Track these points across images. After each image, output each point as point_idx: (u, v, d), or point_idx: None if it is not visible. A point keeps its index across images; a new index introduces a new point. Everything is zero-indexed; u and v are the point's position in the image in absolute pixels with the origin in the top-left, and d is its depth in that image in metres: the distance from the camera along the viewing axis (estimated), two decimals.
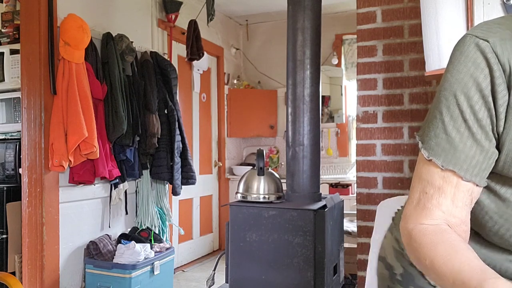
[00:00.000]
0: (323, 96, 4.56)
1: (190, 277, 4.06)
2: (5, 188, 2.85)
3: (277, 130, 5.26)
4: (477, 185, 0.77)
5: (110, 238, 3.11)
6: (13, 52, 2.90)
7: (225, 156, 5.11)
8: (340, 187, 4.43)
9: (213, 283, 2.39)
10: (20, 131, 2.86)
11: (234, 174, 5.11)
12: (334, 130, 4.98)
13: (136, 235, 3.13)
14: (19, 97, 2.85)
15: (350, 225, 2.89)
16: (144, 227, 3.33)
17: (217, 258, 2.33)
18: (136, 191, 3.48)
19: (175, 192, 3.56)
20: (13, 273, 2.81)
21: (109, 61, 3.07)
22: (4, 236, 2.83)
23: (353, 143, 4.85)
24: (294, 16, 2.20)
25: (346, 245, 2.54)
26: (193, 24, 4.03)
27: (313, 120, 2.19)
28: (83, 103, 2.76)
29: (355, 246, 2.39)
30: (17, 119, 2.93)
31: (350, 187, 4.42)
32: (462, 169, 0.76)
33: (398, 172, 2.24)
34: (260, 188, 2.11)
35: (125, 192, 3.30)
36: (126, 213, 3.38)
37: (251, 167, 2.24)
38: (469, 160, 0.76)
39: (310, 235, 1.94)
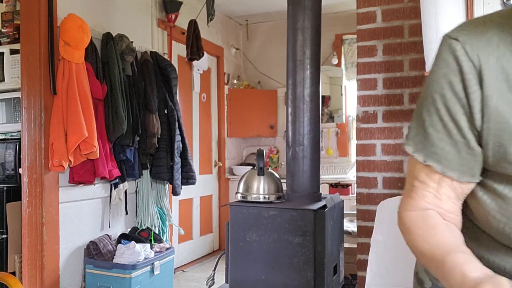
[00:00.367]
0: (323, 96, 4.56)
1: (190, 277, 4.06)
2: (5, 188, 2.85)
3: (277, 130, 5.26)
4: (458, 180, 0.81)
5: (110, 238, 3.11)
6: (13, 52, 2.90)
7: (225, 156, 5.11)
8: (340, 187, 4.43)
9: (213, 283, 2.39)
10: (20, 131, 2.86)
11: (234, 174, 5.11)
12: (334, 130, 4.98)
13: (136, 235, 3.13)
14: (19, 97, 2.85)
15: (350, 225, 2.88)
16: (144, 227, 3.33)
17: (217, 258, 2.33)
18: (136, 191, 3.48)
19: (175, 192, 3.56)
20: (13, 273, 2.81)
21: (109, 61, 3.06)
22: (4, 236, 2.83)
23: (353, 143, 4.85)
24: (294, 16, 2.20)
25: (346, 245, 2.54)
26: (193, 24, 4.03)
27: (313, 120, 2.19)
28: (83, 103, 2.76)
29: (355, 246, 2.39)
30: (17, 119, 2.93)
31: (350, 187, 4.42)
32: (440, 164, 0.81)
33: (398, 172, 2.24)
34: (260, 188, 2.11)
35: (125, 192, 3.30)
36: (126, 213, 3.38)
37: (251, 167, 2.24)
38: (445, 155, 0.80)
39: (310, 235, 1.94)
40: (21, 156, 2.81)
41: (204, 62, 4.51)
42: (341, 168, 4.86)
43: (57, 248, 2.83)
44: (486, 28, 0.76)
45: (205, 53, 4.19)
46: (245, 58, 5.51)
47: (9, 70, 2.91)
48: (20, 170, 2.83)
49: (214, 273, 2.38)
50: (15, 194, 2.87)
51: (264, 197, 2.10)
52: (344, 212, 2.49)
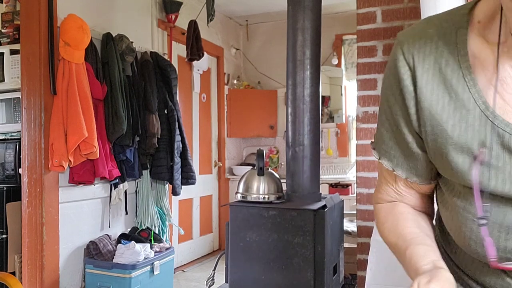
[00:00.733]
0: (323, 96, 4.56)
1: (190, 277, 4.06)
2: (5, 188, 2.85)
3: (277, 130, 5.26)
4: (407, 177, 0.81)
5: (110, 238, 3.11)
6: (13, 52, 2.90)
7: (225, 156, 5.11)
8: (340, 187, 4.43)
9: (213, 283, 2.39)
10: (20, 131, 2.86)
11: (234, 174, 5.11)
12: (334, 130, 4.98)
13: (136, 235, 3.13)
14: (19, 97, 2.85)
15: (350, 225, 2.89)
16: (144, 227, 3.33)
17: (217, 258, 2.33)
18: (136, 191, 3.48)
19: (175, 192, 3.56)
20: (13, 273, 2.81)
21: (109, 61, 3.07)
22: (4, 236, 2.83)
23: (353, 143, 4.85)
24: (294, 16, 2.20)
25: (346, 245, 2.54)
26: (193, 24, 4.03)
27: (313, 120, 2.19)
28: (83, 103, 2.76)
29: (355, 246, 2.39)
30: (17, 119, 2.93)
31: (350, 187, 4.42)
32: (391, 162, 0.82)
33: None
34: (260, 188, 2.11)
35: (125, 192, 3.30)
36: (126, 213, 3.38)
37: (251, 167, 2.24)
38: (394, 154, 0.81)
39: (310, 235, 1.94)
40: (21, 156, 2.81)
41: (204, 63, 4.51)
42: (341, 168, 4.86)
43: (57, 248, 2.83)
44: (428, 26, 0.73)
45: (205, 53, 4.19)
46: (245, 59, 5.51)
47: (9, 70, 2.91)
48: (20, 170, 2.83)
49: (214, 273, 2.38)
50: (15, 194, 2.87)
51: (264, 197, 2.10)
52: (344, 212, 2.49)
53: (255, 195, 2.10)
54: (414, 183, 0.81)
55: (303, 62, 2.18)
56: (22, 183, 2.78)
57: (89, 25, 2.89)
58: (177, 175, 3.52)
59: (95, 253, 2.97)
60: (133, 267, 2.83)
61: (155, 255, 3.05)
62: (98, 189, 3.14)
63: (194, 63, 4.39)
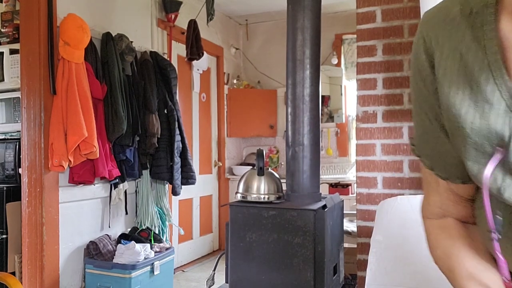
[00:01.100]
0: (323, 96, 4.56)
1: (190, 277, 4.06)
2: (5, 188, 2.85)
3: (277, 130, 5.26)
4: (447, 178, 0.71)
5: (110, 238, 3.11)
6: (12, 52, 2.90)
7: (225, 156, 5.10)
8: (340, 187, 4.43)
9: (213, 283, 2.39)
10: (19, 131, 2.86)
11: (234, 174, 5.10)
12: (334, 130, 4.98)
13: (136, 235, 3.13)
14: (19, 97, 2.85)
15: (350, 225, 2.88)
16: (144, 227, 3.33)
17: (217, 258, 2.33)
18: (136, 191, 3.48)
19: (175, 192, 3.56)
20: (13, 273, 2.81)
21: (108, 61, 3.06)
22: (4, 236, 2.83)
23: (353, 143, 4.85)
24: (293, 16, 2.19)
25: (346, 245, 2.53)
26: (192, 24, 4.03)
27: (313, 120, 2.18)
28: (82, 103, 2.76)
29: (355, 246, 2.39)
30: (17, 119, 2.92)
31: (350, 187, 4.41)
32: (427, 159, 0.73)
33: (398, 172, 2.24)
34: (260, 188, 2.11)
35: (125, 192, 3.30)
36: (126, 213, 3.38)
37: (251, 167, 2.24)
38: (426, 148, 0.72)
39: (310, 235, 1.94)
40: (21, 156, 2.80)
41: (204, 62, 4.51)
42: (341, 168, 4.86)
43: (57, 248, 2.82)
44: (453, 5, 0.62)
45: (204, 53, 4.19)
46: (245, 58, 5.51)
47: (8, 70, 2.91)
48: (20, 170, 2.83)
49: (214, 273, 2.38)
50: (15, 194, 2.86)
51: (264, 197, 2.10)
52: (344, 212, 2.49)
53: (255, 195, 2.10)
54: (457, 185, 0.71)
55: (303, 61, 2.18)
56: (22, 183, 2.78)
57: (89, 25, 2.89)
58: (177, 175, 3.52)
59: (95, 253, 2.97)
60: (133, 267, 2.83)
61: (155, 255, 3.05)
62: (98, 189, 3.13)
63: (194, 62, 4.38)
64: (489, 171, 0.56)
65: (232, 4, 4.83)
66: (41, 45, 2.72)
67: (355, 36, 2.45)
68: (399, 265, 1.75)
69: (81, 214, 3.03)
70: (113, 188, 3.19)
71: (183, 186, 3.61)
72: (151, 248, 3.08)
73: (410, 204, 1.82)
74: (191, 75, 4.51)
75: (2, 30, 2.99)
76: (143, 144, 3.34)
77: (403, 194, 2.20)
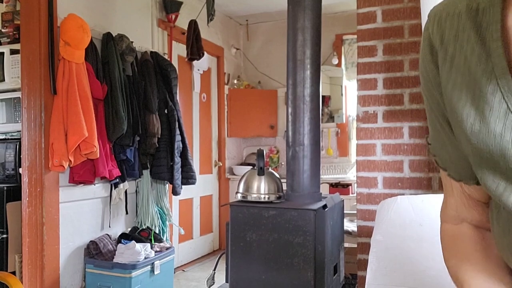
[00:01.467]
0: (323, 96, 4.56)
1: (190, 277, 4.06)
2: (5, 188, 2.85)
3: (277, 130, 5.26)
4: (460, 180, 0.69)
5: (110, 238, 3.11)
6: (13, 52, 2.90)
7: (225, 156, 5.11)
8: (340, 187, 4.43)
9: (213, 282, 2.39)
10: (20, 131, 2.86)
11: (234, 174, 5.11)
12: (334, 130, 4.98)
13: (136, 234, 3.13)
14: (19, 97, 2.85)
15: (350, 225, 2.88)
16: (144, 227, 3.33)
17: (217, 258, 2.33)
18: (136, 191, 3.48)
19: (175, 192, 3.56)
20: (14, 273, 2.82)
21: (109, 61, 3.07)
22: (4, 236, 2.83)
23: (353, 143, 4.85)
24: (294, 16, 2.20)
25: (346, 245, 2.54)
26: (193, 24, 4.03)
27: (313, 120, 2.19)
28: (83, 103, 2.76)
29: (355, 246, 2.39)
30: (17, 119, 2.93)
31: (350, 187, 4.42)
32: (445, 163, 0.70)
33: (398, 172, 2.24)
34: (260, 188, 2.11)
35: (125, 192, 3.30)
36: (126, 213, 3.38)
37: (251, 167, 2.24)
38: (438, 147, 0.69)
39: (310, 235, 1.94)
40: (21, 156, 2.81)
41: (204, 62, 4.51)
42: (341, 168, 4.86)
43: (57, 248, 2.83)
44: (459, 0, 0.60)
45: (205, 53, 4.19)
46: (245, 58, 5.51)
47: (9, 70, 2.91)
48: (20, 170, 2.83)
49: (214, 272, 2.38)
50: (15, 194, 2.87)
51: (264, 197, 2.10)
52: (344, 212, 2.49)
53: (255, 195, 2.10)
54: (471, 186, 0.68)
55: (303, 61, 2.18)
56: (22, 183, 2.78)
57: (89, 25, 2.89)
58: (177, 175, 3.52)
59: (96, 253, 2.97)
60: (134, 267, 2.83)
61: (155, 255, 3.05)
62: (98, 189, 3.14)
63: (194, 62, 4.39)
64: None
65: (232, 5, 4.83)
66: (41, 45, 2.72)
67: (355, 36, 2.45)
68: (399, 265, 1.75)
69: (81, 214, 3.03)
70: (113, 188, 3.19)
71: (183, 186, 3.61)
72: (152, 247, 3.08)
73: (411, 204, 1.82)
74: (192, 75, 4.52)
75: (3, 30, 2.99)
76: (143, 144, 3.34)
77: (403, 194, 2.20)
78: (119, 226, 3.35)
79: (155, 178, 3.52)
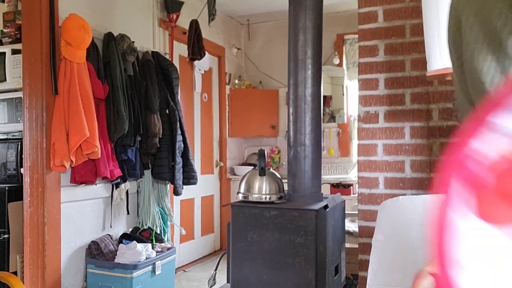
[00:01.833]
0: (324, 96, 4.56)
1: (191, 277, 4.06)
2: (6, 188, 2.85)
3: (278, 130, 5.25)
4: None
5: (111, 238, 3.11)
6: (14, 52, 2.90)
7: (226, 156, 5.10)
8: (341, 187, 4.42)
9: (215, 283, 2.39)
10: (21, 131, 2.87)
11: (235, 174, 5.10)
12: (336, 130, 4.97)
13: (137, 235, 3.14)
14: (21, 97, 2.85)
15: (351, 225, 2.88)
16: (145, 227, 3.33)
17: (218, 258, 2.33)
18: (137, 191, 3.48)
19: (176, 192, 3.56)
20: (15, 273, 2.82)
21: (110, 61, 3.07)
22: (6, 235, 2.83)
23: (355, 143, 4.84)
24: (295, 16, 2.19)
25: (347, 245, 2.53)
26: (194, 24, 4.03)
27: (314, 120, 2.18)
28: (84, 103, 2.76)
29: (357, 246, 2.39)
30: (19, 119, 2.93)
31: (351, 187, 4.41)
32: (460, 118, 0.80)
33: (399, 172, 2.24)
34: (262, 188, 2.11)
35: (127, 192, 3.30)
36: (128, 213, 3.38)
37: (253, 167, 2.24)
38: (459, 106, 0.79)
39: (311, 235, 1.94)
40: (23, 156, 2.81)
41: (206, 62, 4.51)
42: (342, 168, 4.85)
43: (58, 248, 2.83)
44: None
45: (206, 53, 4.19)
46: (247, 58, 5.51)
47: (10, 70, 2.91)
48: (22, 170, 2.84)
49: (216, 273, 2.38)
50: (16, 194, 2.87)
51: (266, 197, 2.10)
52: (346, 212, 2.49)
53: (256, 195, 2.10)
54: None
55: (304, 61, 2.18)
56: (23, 183, 2.79)
57: (91, 25, 2.89)
58: (179, 175, 3.52)
59: (97, 253, 2.97)
60: (135, 267, 2.83)
61: (156, 255, 3.05)
62: (99, 189, 3.14)
63: (196, 62, 4.38)
64: None
65: (233, 4, 4.83)
66: (43, 45, 2.72)
67: (357, 36, 2.45)
68: (400, 265, 1.75)
69: (82, 214, 3.03)
70: (114, 188, 3.19)
71: (184, 186, 3.61)
72: (153, 248, 3.08)
73: (412, 204, 1.82)
74: (193, 75, 4.52)
75: (4, 30, 3.00)
76: (144, 144, 3.34)
77: (405, 194, 2.19)
78: (121, 226, 3.35)
79: (157, 178, 3.52)
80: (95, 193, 3.11)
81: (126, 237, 3.08)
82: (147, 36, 3.74)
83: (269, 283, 2.00)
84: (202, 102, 4.72)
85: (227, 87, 5.13)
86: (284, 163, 5.18)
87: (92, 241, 3.01)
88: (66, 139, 2.71)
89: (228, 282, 2.15)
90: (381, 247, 1.83)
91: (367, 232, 2.27)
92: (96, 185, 3.08)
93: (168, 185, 3.68)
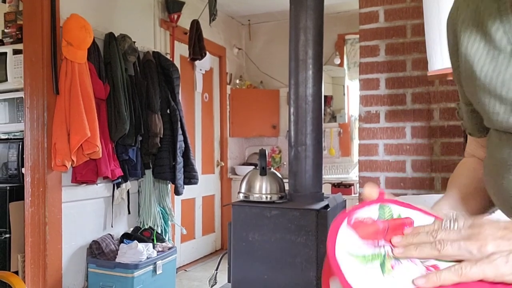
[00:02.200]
0: (325, 96, 4.56)
1: (192, 277, 4.06)
2: (8, 188, 2.86)
3: (279, 130, 5.26)
4: (469, 133, 0.85)
5: (112, 238, 3.12)
6: (16, 52, 2.91)
7: (227, 156, 5.11)
8: (342, 187, 4.42)
9: (215, 282, 2.39)
10: (23, 131, 2.87)
11: (236, 174, 5.11)
12: (337, 130, 4.97)
13: (138, 234, 3.14)
14: (22, 97, 2.86)
15: None
16: (146, 227, 3.34)
17: (219, 258, 2.33)
18: (138, 190, 3.48)
19: (177, 192, 3.56)
20: (16, 273, 2.82)
21: (111, 61, 3.07)
22: (7, 235, 2.84)
23: (356, 143, 4.84)
24: (296, 16, 2.20)
25: None
26: (195, 24, 4.03)
27: (315, 120, 2.18)
28: (85, 103, 2.76)
29: None
30: (20, 119, 2.93)
31: (352, 187, 4.41)
32: (464, 125, 0.87)
33: (400, 172, 2.24)
34: (263, 188, 2.11)
35: (128, 191, 3.31)
36: (129, 212, 3.38)
37: (253, 167, 2.24)
38: (463, 115, 0.85)
39: (312, 235, 1.94)
40: (24, 156, 2.81)
41: (207, 62, 4.51)
42: (343, 168, 4.85)
43: (59, 248, 2.83)
44: None
45: (207, 53, 4.19)
46: (248, 58, 5.51)
47: (12, 70, 2.92)
48: (23, 170, 2.84)
49: (217, 272, 2.38)
50: (18, 193, 2.87)
51: (266, 197, 2.10)
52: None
53: (257, 195, 2.10)
54: (480, 139, 0.84)
55: (305, 61, 2.18)
56: (25, 183, 2.79)
57: (92, 25, 2.89)
58: (180, 175, 3.52)
59: (98, 253, 2.97)
60: (136, 266, 2.84)
61: (157, 255, 3.05)
62: (100, 188, 3.14)
63: (197, 62, 4.39)
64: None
65: (234, 4, 4.84)
66: (44, 46, 2.73)
67: (358, 36, 2.45)
68: None
69: (83, 213, 3.03)
70: (115, 187, 3.20)
71: (185, 186, 3.61)
72: (154, 247, 3.08)
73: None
74: (194, 75, 4.52)
75: (6, 30, 3.00)
76: (145, 144, 3.35)
77: (406, 194, 2.19)
78: (122, 226, 3.35)
79: (157, 178, 3.52)
80: (96, 192, 3.12)
81: (127, 237, 3.08)
82: (148, 36, 3.74)
83: (270, 282, 2.00)
84: (203, 102, 4.72)
85: (228, 87, 5.13)
86: (285, 163, 5.18)
87: (93, 241, 3.01)
88: (67, 139, 2.71)
89: (229, 281, 2.15)
90: None
91: None
92: (97, 185, 3.08)
93: (169, 185, 3.68)
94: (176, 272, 3.53)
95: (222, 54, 5.02)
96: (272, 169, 2.23)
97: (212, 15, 3.86)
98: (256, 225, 2.04)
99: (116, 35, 3.16)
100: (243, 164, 5.28)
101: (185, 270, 4.25)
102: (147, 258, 2.95)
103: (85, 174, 2.88)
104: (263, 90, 5.33)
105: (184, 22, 4.10)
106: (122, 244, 2.99)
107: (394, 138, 2.26)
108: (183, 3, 4.01)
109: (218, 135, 5.02)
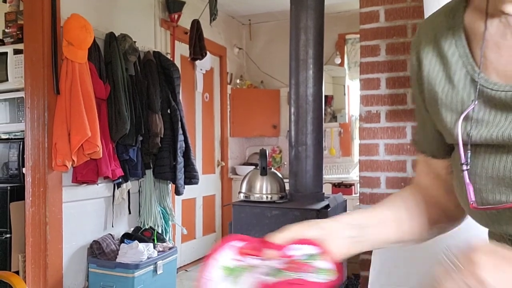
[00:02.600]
0: (326, 96, 4.55)
1: (193, 277, 4.06)
2: (8, 188, 2.86)
3: (280, 129, 5.25)
4: (429, 155, 0.85)
5: (113, 238, 3.12)
6: (16, 52, 2.91)
7: (228, 156, 5.11)
8: (343, 186, 4.42)
9: None
10: (23, 131, 2.87)
11: (237, 174, 5.10)
12: (337, 130, 4.97)
13: (139, 234, 3.14)
14: (23, 97, 2.86)
15: None
16: (147, 227, 3.34)
17: None
18: (139, 190, 3.48)
19: (178, 192, 3.56)
20: (17, 272, 2.82)
21: (112, 61, 3.07)
22: (8, 235, 2.84)
23: (356, 142, 4.84)
24: (297, 16, 2.19)
25: None
26: (196, 24, 4.03)
27: (316, 119, 2.18)
28: (86, 103, 2.76)
29: None
30: (21, 119, 2.93)
31: (353, 186, 4.41)
32: (415, 142, 0.88)
33: (401, 172, 2.24)
34: (263, 188, 2.11)
35: (128, 191, 3.31)
36: (129, 212, 3.38)
37: (254, 167, 2.24)
38: (420, 137, 0.86)
39: None
40: (25, 156, 2.81)
41: (207, 62, 4.51)
42: (344, 168, 4.85)
43: (60, 248, 2.83)
44: (443, 6, 0.79)
45: (208, 52, 4.19)
46: (248, 58, 5.50)
47: (12, 70, 2.92)
48: (24, 170, 2.84)
49: None
50: (18, 193, 2.87)
51: (267, 197, 2.10)
52: (347, 211, 2.49)
53: (258, 195, 2.10)
54: (439, 161, 0.84)
55: (306, 61, 2.17)
56: (25, 183, 2.79)
57: (92, 25, 2.89)
58: (180, 175, 3.52)
59: (98, 253, 2.98)
60: (136, 266, 2.84)
61: (158, 255, 3.05)
62: (101, 188, 3.14)
63: (197, 62, 4.39)
64: (461, 121, 0.71)
65: (235, 4, 4.83)
66: (44, 45, 2.73)
67: (358, 36, 2.45)
68: (402, 265, 1.75)
69: (84, 213, 3.03)
70: (116, 187, 3.20)
71: (186, 186, 3.61)
72: (154, 247, 3.08)
73: None
74: (194, 75, 4.52)
75: (6, 30, 3.00)
76: (146, 144, 3.35)
77: None
78: (122, 226, 3.35)
79: (158, 178, 3.53)
80: (97, 192, 3.12)
81: (127, 237, 3.08)
82: (149, 36, 3.74)
83: None
84: (204, 102, 4.72)
85: (229, 86, 5.13)
86: (285, 163, 5.18)
87: (94, 241, 3.01)
88: (67, 139, 2.71)
89: None
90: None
91: None
92: (97, 184, 3.08)
93: (170, 185, 3.68)
94: (177, 272, 3.53)
95: (223, 54, 5.02)
96: (272, 169, 2.23)
97: (213, 14, 3.86)
98: (256, 225, 2.04)
99: (116, 35, 3.16)
100: (244, 164, 5.28)
101: (186, 270, 4.25)
102: (148, 258, 2.95)
103: (85, 174, 2.88)
104: (264, 90, 5.33)
105: (185, 22, 4.10)
106: (122, 244, 2.99)
107: (395, 138, 2.26)
108: (184, 2, 4.01)
109: (219, 135, 5.02)
